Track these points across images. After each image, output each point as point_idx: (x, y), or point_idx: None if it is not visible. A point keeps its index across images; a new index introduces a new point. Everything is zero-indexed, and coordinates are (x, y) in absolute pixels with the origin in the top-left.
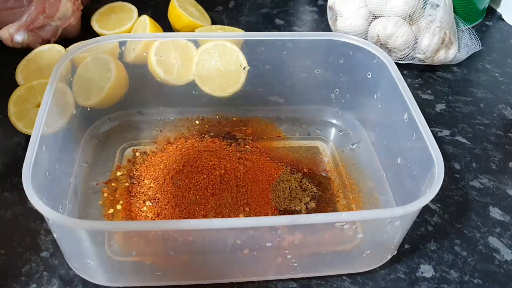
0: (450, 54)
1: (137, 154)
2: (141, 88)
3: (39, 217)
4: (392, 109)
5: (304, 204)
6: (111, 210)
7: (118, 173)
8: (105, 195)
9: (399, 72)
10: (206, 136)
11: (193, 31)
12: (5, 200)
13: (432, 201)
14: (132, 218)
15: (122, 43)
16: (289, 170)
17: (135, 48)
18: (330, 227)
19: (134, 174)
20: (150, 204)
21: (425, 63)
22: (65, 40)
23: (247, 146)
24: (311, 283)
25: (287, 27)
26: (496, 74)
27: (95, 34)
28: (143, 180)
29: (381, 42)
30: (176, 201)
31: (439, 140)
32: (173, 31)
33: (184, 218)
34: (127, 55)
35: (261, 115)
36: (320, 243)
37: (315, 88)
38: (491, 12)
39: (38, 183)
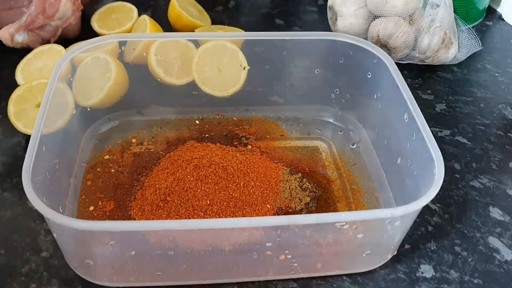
0: (450, 54)
1: (138, 152)
2: (141, 88)
3: (39, 217)
4: (392, 109)
5: (304, 204)
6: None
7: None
8: (104, 194)
9: (399, 72)
10: (206, 135)
11: (193, 31)
12: (5, 200)
13: (432, 201)
14: (132, 218)
15: (122, 43)
16: (289, 170)
17: (135, 48)
18: (330, 227)
19: (134, 172)
20: (149, 205)
21: (425, 63)
22: (65, 40)
23: (248, 146)
24: (311, 283)
25: (287, 27)
26: (496, 74)
27: (95, 34)
28: (143, 180)
29: (381, 42)
30: (176, 201)
31: (439, 140)
32: (173, 31)
33: (183, 218)
34: (127, 55)
35: (261, 115)
36: (320, 243)
37: (315, 88)
38: (491, 12)
39: (38, 183)
